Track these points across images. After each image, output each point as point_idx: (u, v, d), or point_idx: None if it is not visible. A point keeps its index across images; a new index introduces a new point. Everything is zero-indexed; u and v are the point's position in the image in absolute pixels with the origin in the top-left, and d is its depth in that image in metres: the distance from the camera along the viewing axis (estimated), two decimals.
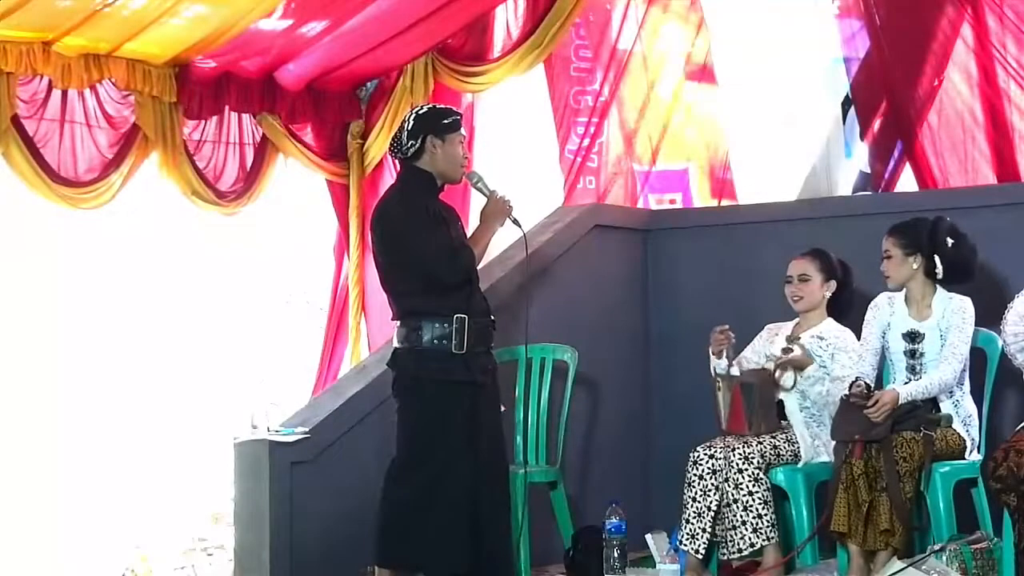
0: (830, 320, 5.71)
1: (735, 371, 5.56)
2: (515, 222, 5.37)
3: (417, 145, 5.21)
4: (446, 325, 5.13)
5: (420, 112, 5.29)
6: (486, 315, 5.28)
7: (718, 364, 5.60)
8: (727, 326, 5.62)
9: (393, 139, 5.31)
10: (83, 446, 7.36)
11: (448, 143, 5.23)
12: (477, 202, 7.01)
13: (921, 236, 5.40)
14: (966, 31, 6.53)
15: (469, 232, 5.45)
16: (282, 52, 6.72)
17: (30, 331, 7.16)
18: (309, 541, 5.54)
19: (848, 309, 5.73)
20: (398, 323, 5.25)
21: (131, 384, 7.51)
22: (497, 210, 5.32)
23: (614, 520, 5.72)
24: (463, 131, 5.33)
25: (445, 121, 5.25)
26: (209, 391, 7.63)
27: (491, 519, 5.18)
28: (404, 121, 5.28)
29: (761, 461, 5.39)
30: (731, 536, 5.40)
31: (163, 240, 7.41)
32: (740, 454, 5.39)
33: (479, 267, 5.40)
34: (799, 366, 5.59)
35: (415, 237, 5.14)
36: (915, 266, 5.41)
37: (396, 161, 5.42)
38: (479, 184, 5.39)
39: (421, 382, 5.20)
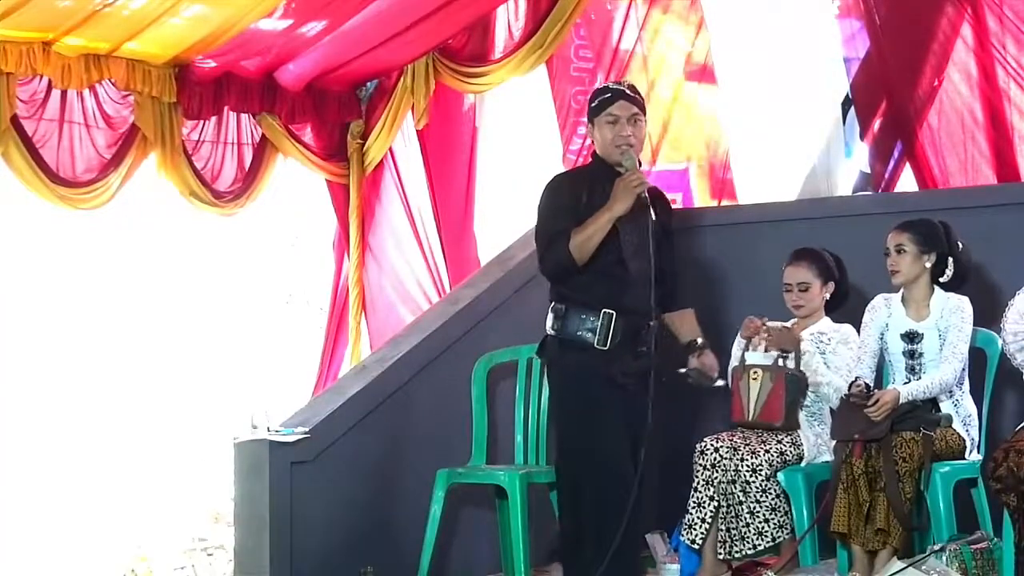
0: (827, 319, 5.71)
1: (783, 362, 5.51)
2: (646, 205, 4.89)
3: (590, 131, 5.18)
4: (592, 319, 4.94)
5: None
6: (641, 314, 4.93)
7: (757, 355, 5.57)
8: (766, 318, 5.60)
9: None
10: (83, 446, 7.37)
11: (597, 127, 5.08)
12: (481, 193, 7.04)
13: (938, 236, 5.38)
14: (966, 31, 6.52)
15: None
16: (282, 52, 6.71)
17: (29, 331, 7.18)
18: (309, 541, 5.54)
19: (843, 302, 5.74)
20: (551, 306, 5.09)
21: (131, 384, 7.53)
22: (621, 187, 4.91)
23: None
24: (612, 110, 5.01)
25: (593, 104, 5.13)
26: (209, 391, 7.64)
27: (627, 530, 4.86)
28: None
29: (770, 471, 5.39)
30: (734, 536, 5.39)
31: (163, 240, 7.42)
32: (748, 465, 5.37)
33: (630, 249, 4.96)
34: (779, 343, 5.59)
35: (542, 217, 5.08)
36: (927, 265, 5.40)
37: None
38: (628, 163, 4.99)
39: (564, 373, 5.06)
